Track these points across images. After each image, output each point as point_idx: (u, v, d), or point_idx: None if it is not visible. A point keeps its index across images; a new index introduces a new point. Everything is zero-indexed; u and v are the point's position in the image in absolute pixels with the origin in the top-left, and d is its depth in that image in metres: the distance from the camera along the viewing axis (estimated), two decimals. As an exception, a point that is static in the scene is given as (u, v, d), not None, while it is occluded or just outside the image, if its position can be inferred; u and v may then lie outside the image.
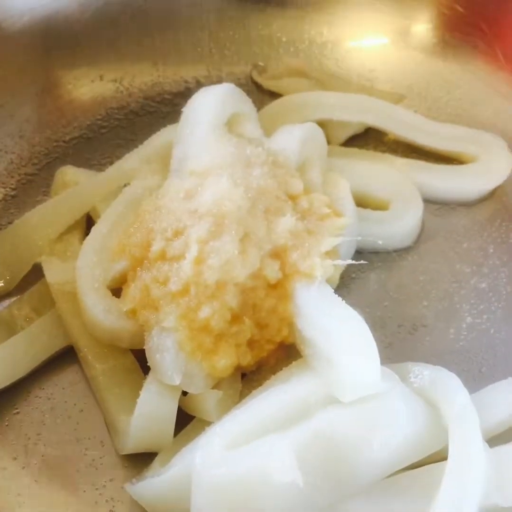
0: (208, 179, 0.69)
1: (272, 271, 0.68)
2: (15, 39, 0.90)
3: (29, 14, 0.90)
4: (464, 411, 0.63)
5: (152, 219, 0.69)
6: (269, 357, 0.70)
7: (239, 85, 0.95)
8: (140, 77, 0.96)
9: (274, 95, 0.96)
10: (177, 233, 0.68)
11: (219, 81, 0.97)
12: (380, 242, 0.77)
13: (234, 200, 0.67)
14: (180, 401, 0.68)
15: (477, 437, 0.62)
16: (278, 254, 0.68)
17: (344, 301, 0.66)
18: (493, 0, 0.93)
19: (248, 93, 0.95)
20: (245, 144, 0.73)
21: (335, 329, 0.63)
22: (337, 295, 0.67)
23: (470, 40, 0.95)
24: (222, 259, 0.66)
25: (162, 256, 0.67)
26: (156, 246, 0.68)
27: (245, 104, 0.78)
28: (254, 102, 0.94)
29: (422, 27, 0.98)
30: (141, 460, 0.68)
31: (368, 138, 0.91)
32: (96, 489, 0.68)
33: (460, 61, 0.96)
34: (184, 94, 0.95)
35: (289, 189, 0.73)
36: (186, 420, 0.69)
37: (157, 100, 0.95)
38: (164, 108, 0.94)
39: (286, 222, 0.69)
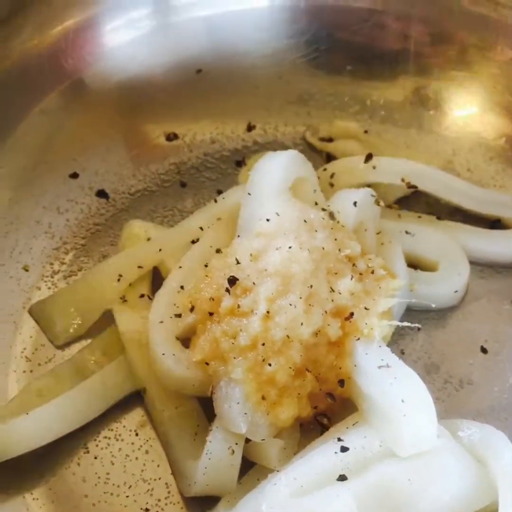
0: (275, 241, 0.75)
1: (333, 330, 0.73)
2: (93, 98, 0.97)
3: (117, 77, 0.98)
4: (512, 468, 0.68)
5: (222, 276, 0.75)
6: (326, 409, 0.75)
7: (294, 144, 1.03)
8: (200, 135, 1.01)
9: (326, 155, 1.02)
10: (246, 290, 0.73)
11: (274, 140, 1.03)
12: (433, 305, 0.82)
13: (300, 262, 0.73)
14: (243, 448, 0.72)
15: (525, 494, 0.66)
16: (338, 313, 0.74)
17: (400, 360, 0.71)
18: None
19: (302, 152, 1.02)
20: (308, 208, 0.79)
21: (394, 386, 0.68)
22: (394, 354, 0.72)
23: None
24: (288, 317, 0.71)
25: (232, 312, 0.73)
26: (226, 302, 0.73)
27: (306, 169, 0.83)
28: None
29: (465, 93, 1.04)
30: (205, 503, 0.72)
31: (415, 200, 0.96)
32: (162, 529, 0.72)
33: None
34: (242, 152, 1.01)
35: (348, 251, 0.78)
36: (246, 467, 0.73)
37: (216, 157, 1.01)
38: (223, 164, 1.00)
39: (347, 283, 0.74)
